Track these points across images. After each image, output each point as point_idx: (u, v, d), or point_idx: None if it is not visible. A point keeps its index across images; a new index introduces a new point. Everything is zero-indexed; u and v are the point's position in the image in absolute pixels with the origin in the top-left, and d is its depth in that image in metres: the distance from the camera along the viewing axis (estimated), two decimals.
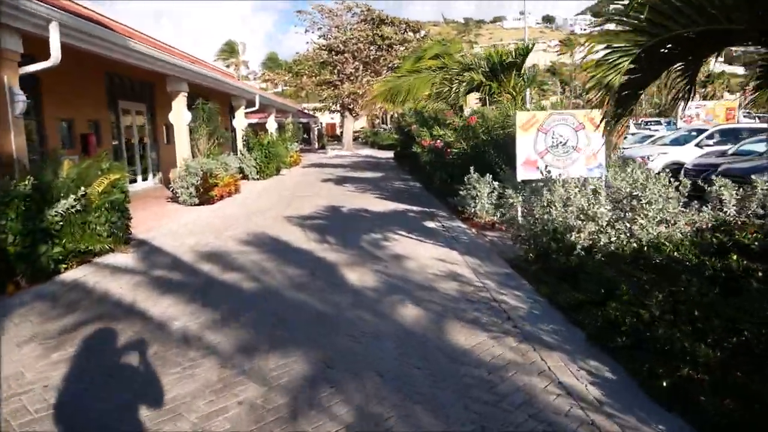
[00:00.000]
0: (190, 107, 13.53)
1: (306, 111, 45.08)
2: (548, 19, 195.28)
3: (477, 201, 8.48)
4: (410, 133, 17.94)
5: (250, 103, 19.97)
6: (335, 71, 37.93)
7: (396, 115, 47.95)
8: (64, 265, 6.19)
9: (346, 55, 36.99)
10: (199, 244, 7.59)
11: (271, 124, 25.92)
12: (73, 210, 6.43)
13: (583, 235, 5.84)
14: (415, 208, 10.67)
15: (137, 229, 8.70)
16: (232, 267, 6.17)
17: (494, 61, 10.33)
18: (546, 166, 6.36)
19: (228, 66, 63.74)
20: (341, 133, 53.11)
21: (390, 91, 13.63)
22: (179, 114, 12.89)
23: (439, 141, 10.63)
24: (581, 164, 8.16)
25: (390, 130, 48.88)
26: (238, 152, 18.86)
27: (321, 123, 53.50)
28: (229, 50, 70.98)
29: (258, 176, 17.75)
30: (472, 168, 8.61)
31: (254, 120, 34.02)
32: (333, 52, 37.42)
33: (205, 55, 22.29)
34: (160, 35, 15.93)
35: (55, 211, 6.28)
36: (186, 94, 13.05)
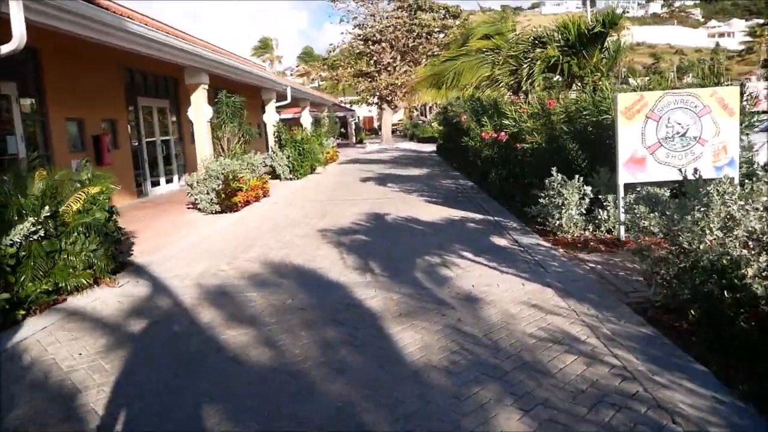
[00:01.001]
0: (213, 102, 12.03)
1: (343, 104, 43.50)
2: (589, 2, 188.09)
3: (564, 211, 6.53)
4: (459, 124, 15.99)
5: (281, 97, 18.40)
6: (372, 62, 36.12)
7: (436, 106, 45.98)
8: (22, 311, 4.62)
9: (383, 44, 35.15)
10: (208, 273, 5.93)
11: (306, 119, 24.36)
12: (35, 237, 4.87)
13: (752, 271, 3.86)
14: (474, 215, 8.77)
15: (142, 247, 7.22)
16: (241, 319, 4.44)
17: (572, 33, 8.28)
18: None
19: (264, 62, 63.00)
20: (379, 126, 51.39)
21: (436, 77, 11.85)
22: (199, 109, 11.35)
23: (503, 133, 8.68)
24: (707, 161, 6.12)
25: (429, 122, 46.90)
26: (269, 150, 17.34)
27: (358, 116, 51.93)
28: (263, 46, 70.38)
29: (291, 176, 16.16)
30: (554, 168, 6.65)
31: (289, 115, 32.68)
32: (369, 42, 35.62)
33: (241, 53, 20.92)
34: (188, 29, 14.47)
35: (11, 240, 4.73)
36: (206, 87, 11.51)
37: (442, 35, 34.77)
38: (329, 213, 9.69)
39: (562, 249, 6.23)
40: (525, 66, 8.32)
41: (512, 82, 9.06)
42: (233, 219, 9.48)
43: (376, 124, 61.06)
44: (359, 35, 36.21)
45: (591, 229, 6.64)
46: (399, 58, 35.83)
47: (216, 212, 10.08)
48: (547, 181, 6.63)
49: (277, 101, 18.35)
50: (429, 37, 35.47)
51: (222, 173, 10.19)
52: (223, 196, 10.08)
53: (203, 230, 8.49)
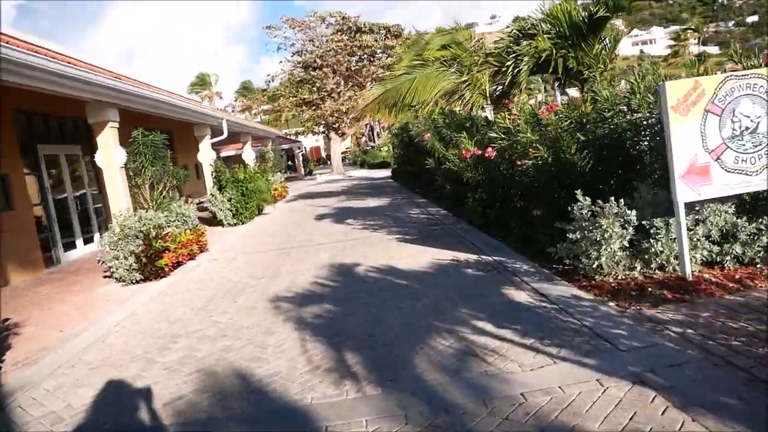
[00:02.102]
0: (129, 143, 9.85)
1: (288, 136, 41.51)
2: (518, 20, 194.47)
3: (603, 247, 4.80)
4: (421, 145, 14.35)
5: (217, 132, 16.28)
6: (314, 89, 34.44)
7: (383, 130, 44.60)
8: None
9: (324, 69, 33.55)
10: (103, 402, 3.82)
11: (249, 155, 22.24)
12: None
13: None
14: (465, 255, 6.96)
15: (21, 352, 5.21)
16: None
17: (564, 24, 6.72)
18: None
19: (202, 99, 60.33)
20: (327, 155, 49.59)
21: (388, 94, 10.19)
22: (108, 152, 9.16)
23: (490, 149, 7.00)
24: None
25: (379, 147, 45.53)
26: (208, 193, 15.15)
27: (305, 147, 50.00)
28: (201, 82, 67.64)
29: (235, 221, 14.00)
30: (579, 192, 4.95)
31: (231, 152, 30.37)
32: (310, 68, 33.98)
33: (177, 91, 18.74)
34: (120, 71, 12.09)
35: None
36: (116, 125, 9.35)
37: (385, 56, 33.55)
38: (282, 269, 7.68)
39: (611, 301, 4.47)
40: (510, 63, 6.67)
41: (494, 87, 7.40)
42: (157, 291, 7.30)
43: (324, 154, 59.29)
44: (299, 62, 34.57)
45: (639, 267, 4.95)
46: (342, 83, 34.33)
47: (136, 281, 7.90)
48: (575, 208, 4.91)
49: (213, 137, 16.22)
50: (372, 59, 34.23)
51: (141, 230, 8.02)
52: (144, 260, 7.91)
53: (114, 314, 6.30)
